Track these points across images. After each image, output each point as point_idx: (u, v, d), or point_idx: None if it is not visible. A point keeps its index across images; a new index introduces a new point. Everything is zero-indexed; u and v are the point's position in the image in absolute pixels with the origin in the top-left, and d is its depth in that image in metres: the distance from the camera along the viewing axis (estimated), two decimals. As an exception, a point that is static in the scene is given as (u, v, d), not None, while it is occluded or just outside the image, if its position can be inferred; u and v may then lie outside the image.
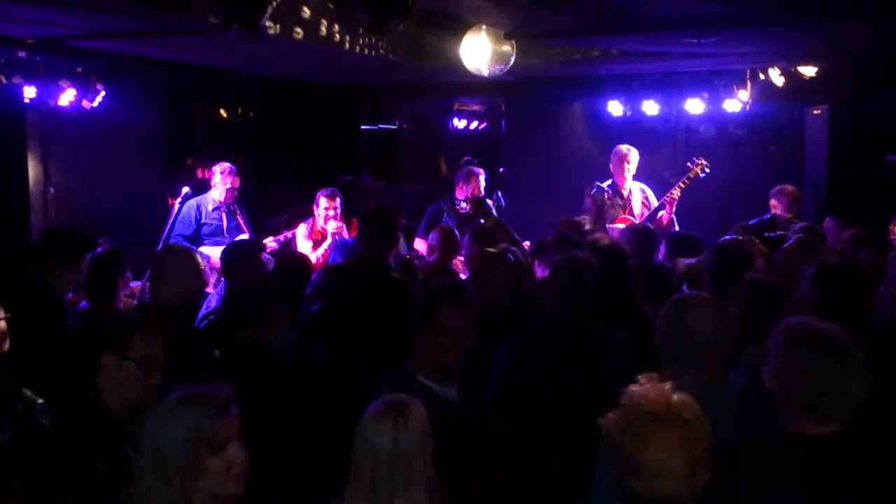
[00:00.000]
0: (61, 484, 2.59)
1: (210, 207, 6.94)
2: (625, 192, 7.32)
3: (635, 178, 7.45)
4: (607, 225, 6.99)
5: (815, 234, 5.68)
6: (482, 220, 5.83)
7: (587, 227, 6.93)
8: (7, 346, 3.10)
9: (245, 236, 6.84)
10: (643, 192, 7.42)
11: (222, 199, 6.94)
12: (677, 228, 7.06)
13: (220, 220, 6.94)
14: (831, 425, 2.54)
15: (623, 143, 7.58)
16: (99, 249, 4.70)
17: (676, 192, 7.11)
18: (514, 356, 3.61)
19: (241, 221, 6.97)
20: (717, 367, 2.76)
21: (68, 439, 2.66)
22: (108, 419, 2.83)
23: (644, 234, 5.67)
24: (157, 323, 3.00)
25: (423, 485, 2.40)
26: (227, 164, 7.03)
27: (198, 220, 6.88)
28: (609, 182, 7.37)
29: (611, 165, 7.42)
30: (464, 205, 6.98)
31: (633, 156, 7.34)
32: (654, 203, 7.29)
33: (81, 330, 4.01)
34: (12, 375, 2.80)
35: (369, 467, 2.39)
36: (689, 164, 7.31)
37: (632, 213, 7.24)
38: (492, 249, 4.38)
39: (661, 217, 7.10)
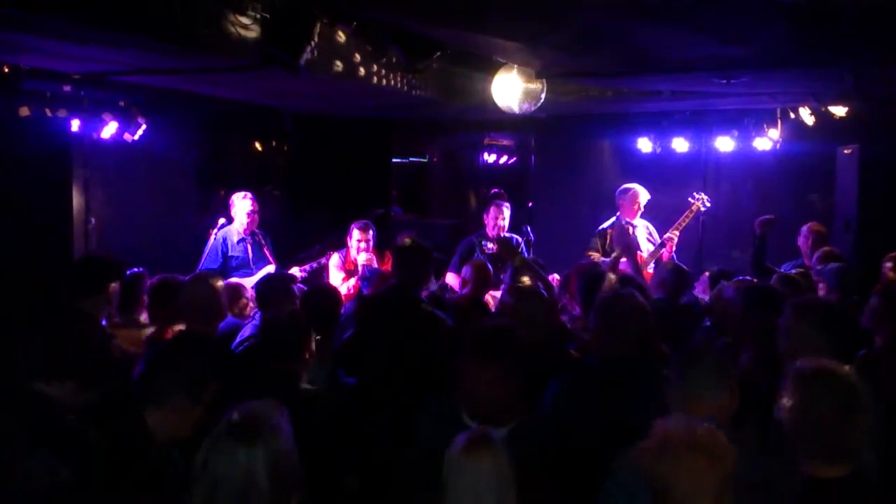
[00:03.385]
0: None
1: (235, 239, 6.98)
2: (630, 230, 7.42)
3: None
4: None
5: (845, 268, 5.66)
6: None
7: (613, 255, 7.02)
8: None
9: (272, 267, 6.95)
10: (647, 228, 7.56)
11: (244, 227, 6.97)
12: None
13: (246, 251, 6.98)
14: (841, 467, 2.56)
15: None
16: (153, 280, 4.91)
17: (677, 231, 7.23)
18: (566, 396, 3.57)
19: (268, 252, 7.04)
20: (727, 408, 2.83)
21: (122, 478, 2.74)
22: (154, 452, 2.90)
23: (680, 273, 5.71)
24: (222, 364, 3.16)
25: None
26: (243, 192, 7.08)
27: (224, 253, 6.92)
28: (613, 220, 7.49)
29: (619, 203, 7.53)
30: (490, 245, 7.10)
31: (644, 197, 7.48)
32: (657, 238, 7.41)
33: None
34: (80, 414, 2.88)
35: (469, 499, 2.46)
36: (689, 199, 7.40)
37: (639, 248, 7.34)
38: (523, 285, 4.43)
39: (661, 254, 7.20)
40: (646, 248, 7.37)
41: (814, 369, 2.67)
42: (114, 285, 4.43)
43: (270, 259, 7.02)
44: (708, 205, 7.38)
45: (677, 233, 7.26)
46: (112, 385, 3.21)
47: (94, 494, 2.60)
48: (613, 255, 7.00)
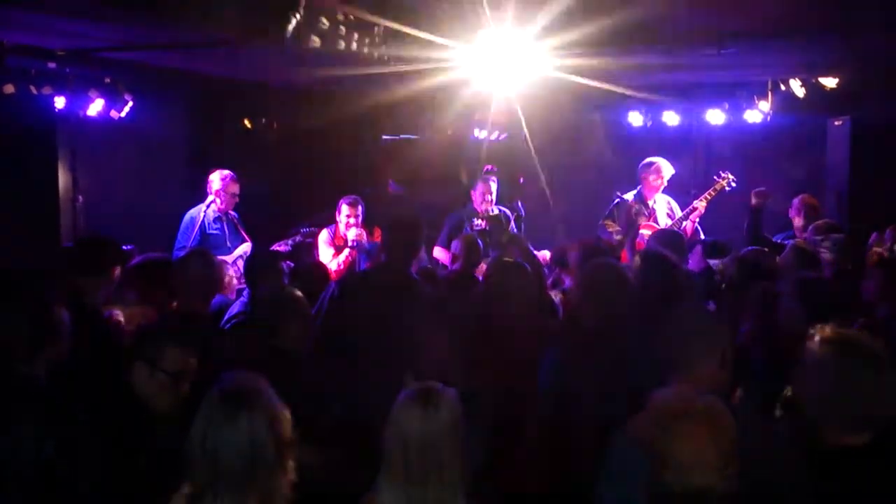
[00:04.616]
0: (104, 494, 2.68)
1: (212, 217, 6.89)
2: (651, 203, 7.38)
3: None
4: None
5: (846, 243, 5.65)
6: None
7: (617, 238, 6.97)
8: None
9: (248, 246, 6.90)
10: (668, 203, 7.49)
11: (224, 207, 6.88)
12: (702, 237, 7.11)
13: (222, 230, 6.91)
14: (867, 435, 2.56)
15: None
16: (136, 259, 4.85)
17: (701, 205, 7.17)
18: (561, 365, 3.58)
19: (242, 231, 6.98)
20: (719, 377, 2.79)
21: (110, 449, 2.74)
22: (148, 418, 2.92)
23: (673, 239, 5.69)
24: (189, 336, 3.10)
25: (456, 471, 2.45)
26: (227, 171, 6.99)
27: (203, 230, 6.82)
28: (635, 192, 7.43)
29: (642, 176, 7.46)
30: (478, 221, 7.08)
31: (668, 172, 7.41)
32: (678, 214, 7.35)
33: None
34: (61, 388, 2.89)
35: (401, 452, 2.44)
36: (715, 177, 7.35)
37: (656, 222, 7.30)
38: (509, 259, 4.42)
39: (684, 228, 7.15)
40: (664, 223, 7.30)
41: (841, 337, 2.66)
42: (118, 269, 4.43)
43: (246, 237, 6.98)
44: (734, 185, 7.20)
45: (704, 203, 7.19)
46: (87, 357, 3.22)
47: (80, 465, 2.59)
48: (619, 238, 6.94)
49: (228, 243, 6.88)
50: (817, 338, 2.68)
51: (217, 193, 6.89)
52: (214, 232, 6.87)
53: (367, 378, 3.33)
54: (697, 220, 7.24)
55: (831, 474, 2.54)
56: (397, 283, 4.54)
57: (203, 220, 6.82)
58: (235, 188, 6.92)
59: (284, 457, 2.35)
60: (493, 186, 7.34)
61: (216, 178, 6.94)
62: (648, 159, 7.50)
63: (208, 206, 6.90)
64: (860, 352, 2.59)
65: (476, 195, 7.35)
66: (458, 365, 3.18)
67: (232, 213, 7.01)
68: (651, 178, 7.37)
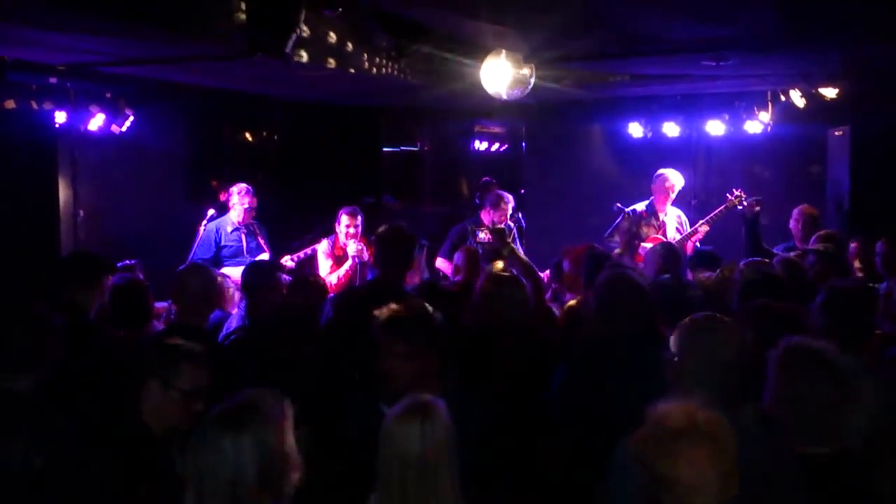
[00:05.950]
0: None
1: (229, 229, 7.02)
2: (661, 216, 7.40)
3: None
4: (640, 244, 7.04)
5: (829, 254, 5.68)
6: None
7: (617, 250, 6.94)
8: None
9: (265, 256, 6.94)
10: (678, 217, 7.52)
11: (240, 219, 7.03)
12: None
13: (240, 241, 7.02)
14: (827, 447, 2.54)
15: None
16: (132, 274, 4.84)
17: (707, 226, 7.23)
18: (572, 376, 3.56)
19: (262, 242, 7.07)
20: (732, 392, 2.72)
21: (103, 465, 2.69)
22: (151, 441, 2.85)
23: (671, 251, 5.69)
24: (204, 353, 3.02)
25: (451, 488, 2.38)
26: (243, 185, 7.12)
27: (217, 243, 6.96)
28: (647, 203, 7.44)
29: (654, 187, 7.50)
30: (482, 235, 7.06)
31: (680, 184, 7.46)
32: (688, 228, 7.37)
33: (120, 354, 4.06)
34: (46, 400, 2.86)
35: (399, 471, 2.36)
36: (728, 195, 7.32)
37: (665, 236, 7.30)
38: (503, 272, 4.42)
39: (684, 247, 7.15)
40: (672, 237, 7.31)
41: (799, 349, 2.65)
42: (107, 280, 4.41)
43: (265, 248, 7.03)
44: (745, 204, 7.05)
45: (707, 227, 7.26)
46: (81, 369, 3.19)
47: (70, 480, 2.57)
48: (617, 250, 6.91)
49: (247, 254, 6.97)
50: (780, 349, 2.67)
51: (233, 206, 7.05)
52: (230, 244, 7.01)
53: (361, 394, 3.30)
54: (698, 243, 7.26)
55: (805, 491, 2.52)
56: (389, 298, 4.50)
57: (217, 232, 6.97)
58: (250, 201, 7.05)
59: (273, 487, 2.25)
60: (510, 210, 7.27)
61: (233, 192, 7.10)
62: (660, 171, 7.55)
63: (210, 220, 6.97)
64: (821, 366, 2.58)
65: (495, 216, 7.22)
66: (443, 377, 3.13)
67: (254, 224, 7.11)
68: (664, 188, 7.41)
